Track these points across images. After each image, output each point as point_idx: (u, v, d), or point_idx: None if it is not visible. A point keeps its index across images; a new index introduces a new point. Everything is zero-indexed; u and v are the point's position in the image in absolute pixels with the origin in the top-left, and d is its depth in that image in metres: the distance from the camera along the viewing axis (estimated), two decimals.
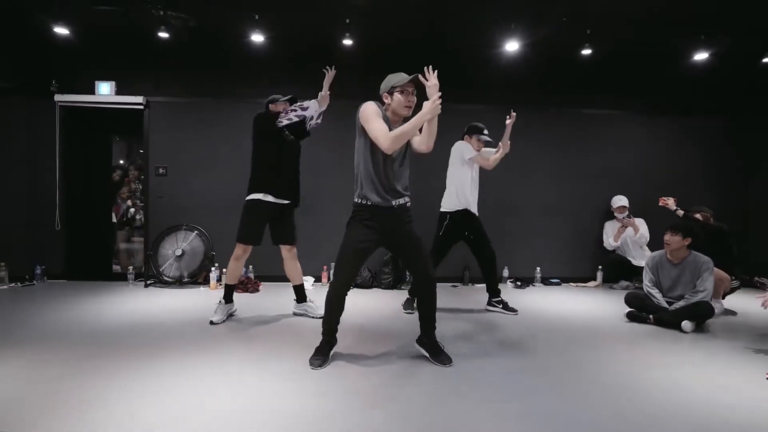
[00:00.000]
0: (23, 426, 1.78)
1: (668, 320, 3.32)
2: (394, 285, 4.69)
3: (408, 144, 2.50)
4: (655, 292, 3.52)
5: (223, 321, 3.30)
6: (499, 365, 2.54)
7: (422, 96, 2.38)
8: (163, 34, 3.96)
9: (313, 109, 3.25)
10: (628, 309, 3.58)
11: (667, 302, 3.46)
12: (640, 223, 4.85)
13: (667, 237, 3.46)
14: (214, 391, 2.13)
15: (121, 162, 5.92)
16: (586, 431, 1.83)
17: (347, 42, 4.08)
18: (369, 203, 2.38)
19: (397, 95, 2.40)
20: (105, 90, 4.67)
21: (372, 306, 3.97)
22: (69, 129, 4.77)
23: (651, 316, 3.42)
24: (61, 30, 4.04)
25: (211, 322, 3.23)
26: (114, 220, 5.54)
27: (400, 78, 2.39)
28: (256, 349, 2.74)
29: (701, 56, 4.43)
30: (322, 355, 2.47)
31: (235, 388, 2.17)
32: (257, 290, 4.41)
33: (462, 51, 4.80)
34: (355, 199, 2.43)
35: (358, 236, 2.39)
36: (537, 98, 5.13)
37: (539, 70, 5.01)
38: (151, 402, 2.00)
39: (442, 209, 3.80)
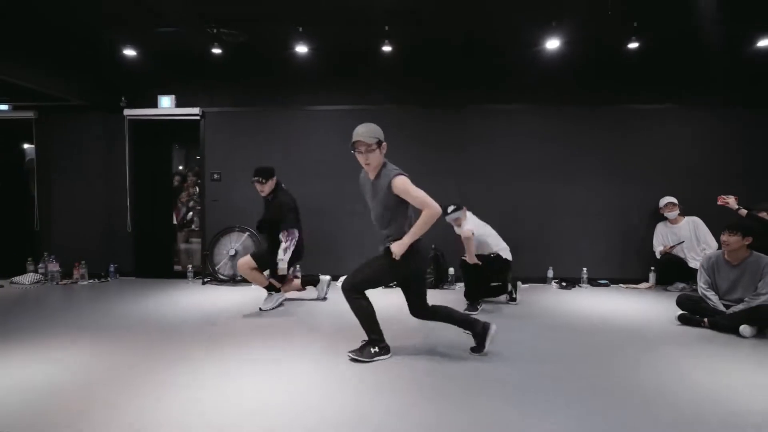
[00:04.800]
0: (96, 402, 2.05)
1: (725, 324, 3.15)
2: (436, 284, 4.75)
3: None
4: (711, 295, 3.35)
5: (273, 308, 3.80)
6: (538, 368, 2.55)
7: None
8: (217, 50, 4.26)
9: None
10: (680, 311, 3.43)
11: (724, 305, 3.28)
12: (696, 226, 4.58)
13: (725, 237, 3.28)
14: (261, 380, 2.33)
15: (180, 168, 6.43)
16: None
17: (386, 48, 4.19)
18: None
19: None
20: (166, 103, 5.09)
21: None
22: (136, 140, 5.25)
23: (705, 320, 3.26)
24: (130, 52, 4.46)
25: (260, 309, 3.73)
26: (174, 222, 6.02)
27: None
28: (301, 343, 2.94)
29: (764, 43, 4.12)
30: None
31: (282, 379, 2.36)
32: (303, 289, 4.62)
33: (498, 50, 4.78)
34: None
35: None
36: (578, 96, 4.98)
37: (579, 66, 4.87)
38: (210, 388, 2.22)
39: (498, 252, 3.90)
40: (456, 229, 3.96)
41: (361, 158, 2.51)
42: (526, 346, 2.90)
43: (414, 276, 2.66)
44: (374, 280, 2.67)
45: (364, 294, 2.62)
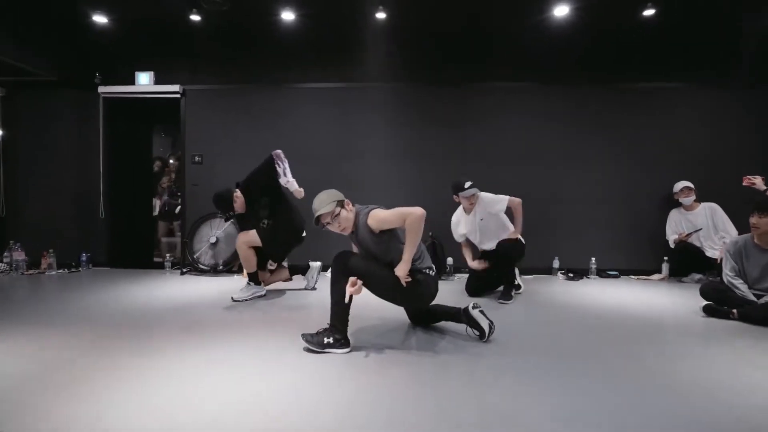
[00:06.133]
0: (45, 397, 1.69)
1: (757, 315, 2.81)
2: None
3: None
4: (739, 283, 3.01)
5: (246, 300, 3.43)
6: (548, 361, 2.21)
7: None
8: (195, 17, 3.91)
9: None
10: (705, 302, 3.09)
11: (754, 295, 2.95)
12: (714, 212, 4.26)
13: (755, 219, 2.95)
14: (232, 375, 1.97)
15: (170, 153, 6.05)
16: None
17: (380, 15, 3.85)
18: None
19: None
20: (144, 80, 4.72)
21: None
22: (112, 120, 4.88)
23: (734, 311, 2.92)
24: (100, 18, 4.09)
25: (232, 299, 3.40)
26: (155, 212, 5.64)
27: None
28: (277, 335, 2.57)
29: None
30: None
31: (255, 372, 2.00)
32: (290, 279, 4.27)
33: (499, 24, 4.44)
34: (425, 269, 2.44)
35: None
36: (586, 73, 4.64)
37: (589, 41, 4.53)
38: (163, 387, 1.86)
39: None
40: (470, 215, 3.62)
41: (334, 228, 2.35)
42: (532, 340, 2.56)
43: (416, 301, 2.52)
44: (372, 279, 2.32)
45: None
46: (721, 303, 3.02)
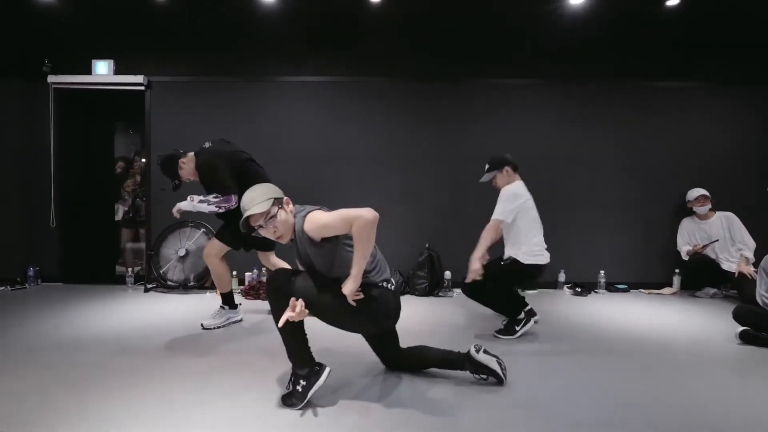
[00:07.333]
0: None
1: None
2: (430, 291, 4.00)
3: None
4: None
5: (219, 327, 2.94)
6: (557, 396, 1.82)
7: None
8: None
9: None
10: (741, 328, 2.77)
11: None
12: (731, 223, 3.98)
13: None
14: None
15: (134, 151, 5.45)
16: None
17: (375, 0, 3.41)
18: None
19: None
20: (102, 69, 4.15)
21: (406, 317, 3.28)
22: (65, 114, 4.28)
23: None
24: None
25: (202, 326, 2.91)
26: (118, 217, 5.06)
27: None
28: (260, 371, 2.11)
29: None
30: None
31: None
32: None
33: (503, 13, 4.06)
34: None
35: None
36: (595, 70, 4.29)
37: (598, 35, 4.19)
38: None
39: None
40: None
41: (267, 233, 1.85)
42: (540, 376, 2.18)
43: (373, 324, 2.00)
44: (315, 302, 1.82)
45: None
46: (758, 328, 2.71)
